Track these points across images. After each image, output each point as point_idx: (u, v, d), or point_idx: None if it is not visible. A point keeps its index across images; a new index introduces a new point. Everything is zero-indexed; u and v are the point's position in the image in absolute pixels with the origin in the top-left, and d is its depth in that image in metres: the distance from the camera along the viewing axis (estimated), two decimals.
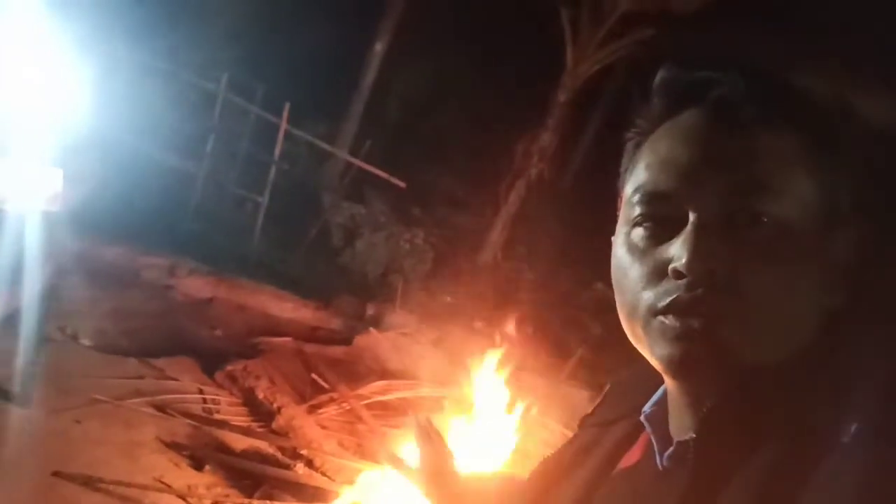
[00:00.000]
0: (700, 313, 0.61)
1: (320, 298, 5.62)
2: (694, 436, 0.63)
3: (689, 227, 0.62)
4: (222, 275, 5.35)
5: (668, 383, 0.71)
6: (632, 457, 0.77)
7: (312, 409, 4.02)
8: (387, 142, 9.04)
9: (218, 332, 4.83)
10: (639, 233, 0.67)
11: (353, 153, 8.24)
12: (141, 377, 3.94)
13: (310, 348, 4.76)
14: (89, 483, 2.97)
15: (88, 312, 4.35)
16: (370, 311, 5.52)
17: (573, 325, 7.86)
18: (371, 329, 5.03)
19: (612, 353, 6.92)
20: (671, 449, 0.69)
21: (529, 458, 4.05)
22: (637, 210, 0.67)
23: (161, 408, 3.68)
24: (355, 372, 4.65)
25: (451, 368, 4.78)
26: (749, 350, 0.62)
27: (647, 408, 0.75)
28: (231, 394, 4.04)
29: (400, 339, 5.04)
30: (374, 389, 4.30)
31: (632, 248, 0.67)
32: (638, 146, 0.70)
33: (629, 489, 0.74)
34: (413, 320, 5.47)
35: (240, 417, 3.84)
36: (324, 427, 3.91)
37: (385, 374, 4.57)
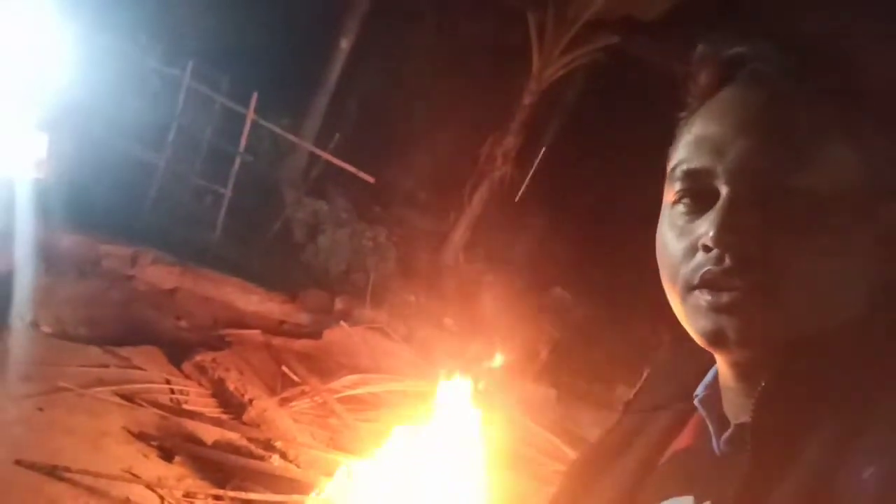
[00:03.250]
0: (729, 287, 0.61)
1: (287, 292, 5.52)
2: (751, 418, 0.62)
3: (720, 202, 0.63)
4: (186, 265, 5.21)
5: (719, 363, 0.70)
6: (683, 441, 0.76)
7: (284, 402, 3.94)
8: (350, 139, 8.97)
9: (183, 323, 4.70)
10: (677, 209, 0.67)
11: (318, 148, 8.15)
12: (105, 366, 3.80)
13: (278, 341, 4.67)
14: (54, 472, 2.84)
15: (47, 300, 4.18)
16: (339, 305, 5.45)
17: (534, 327, 7.91)
18: (342, 323, 4.96)
19: (571, 355, 7.00)
20: (728, 432, 0.68)
21: (502, 455, 4.05)
22: (675, 187, 0.68)
23: (127, 397, 3.55)
24: (325, 366, 4.58)
25: (422, 364, 4.76)
26: (782, 322, 0.62)
27: (699, 391, 0.74)
28: (200, 385, 3.93)
29: (370, 334, 4.99)
30: (346, 383, 4.24)
31: (671, 224, 0.68)
32: (685, 125, 0.71)
33: (684, 474, 0.72)
34: (383, 316, 5.42)
35: (209, 409, 3.74)
36: (296, 420, 3.83)
37: (356, 368, 4.51)
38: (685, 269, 0.65)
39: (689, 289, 0.64)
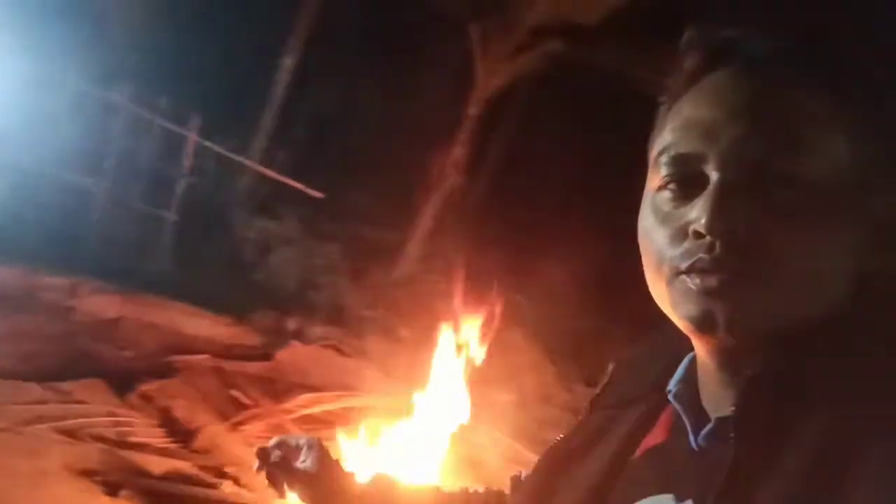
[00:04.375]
0: (719, 273, 0.60)
1: (236, 314, 5.39)
2: (734, 410, 0.61)
3: (710, 188, 0.62)
4: (128, 293, 5.05)
5: (699, 353, 0.69)
6: (655, 437, 0.74)
7: (235, 427, 3.83)
8: (298, 157, 8.87)
9: (127, 353, 4.54)
10: (663, 195, 0.66)
11: (265, 167, 8.03)
12: (44, 402, 3.64)
13: (228, 365, 4.55)
14: None
15: None
16: (291, 325, 5.34)
17: (496, 334, 7.89)
18: (294, 342, 4.86)
19: (529, 359, 6.98)
20: (709, 426, 0.66)
21: (461, 463, 4.00)
22: (661, 172, 0.66)
23: (69, 433, 3.40)
24: (279, 387, 4.48)
25: (379, 378, 4.68)
26: (772, 310, 0.61)
27: (672, 386, 0.73)
28: (146, 415, 3.80)
29: (323, 352, 4.90)
30: (300, 403, 4.14)
31: (656, 210, 0.67)
32: (668, 110, 0.70)
33: (661, 471, 0.71)
34: (336, 333, 5.33)
35: (157, 439, 3.61)
36: (249, 444, 3.72)
37: (310, 387, 4.42)
38: (672, 255, 0.63)
39: (675, 274, 0.63)
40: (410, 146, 9.12)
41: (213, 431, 3.62)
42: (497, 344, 7.25)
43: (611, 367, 0.87)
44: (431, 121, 8.93)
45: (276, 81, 8.64)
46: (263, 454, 1.09)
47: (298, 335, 5.15)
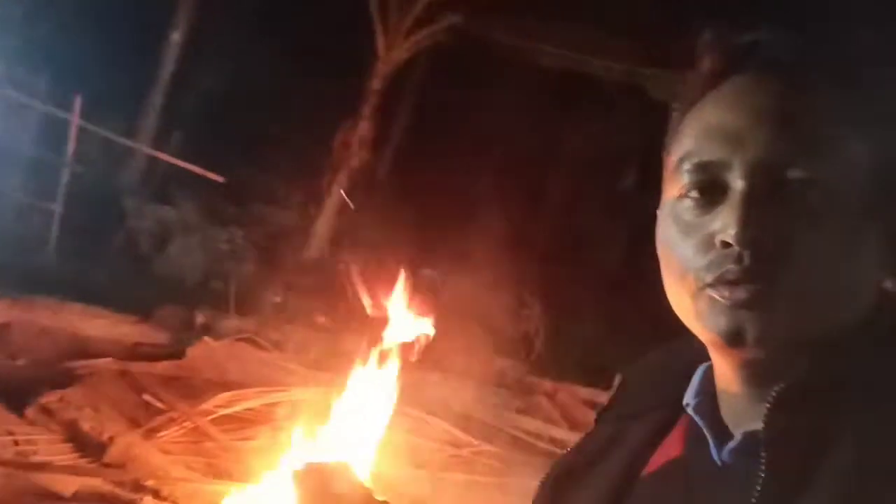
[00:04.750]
0: (749, 284, 0.59)
1: (139, 311, 5.06)
2: (765, 425, 0.59)
3: (736, 196, 0.60)
4: (15, 296, 4.63)
5: (721, 367, 0.67)
6: (671, 451, 0.72)
7: (150, 434, 3.58)
8: (193, 138, 8.41)
9: (20, 362, 4.16)
10: (685, 203, 0.64)
11: (157, 150, 7.56)
12: None
13: (136, 367, 4.26)
14: None
15: None
16: (200, 319, 5.07)
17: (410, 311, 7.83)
18: (205, 338, 4.61)
19: (448, 336, 6.98)
20: (735, 442, 0.64)
21: (396, 450, 3.93)
22: (683, 180, 0.64)
23: None
24: (193, 386, 4.23)
25: (299, 370, 4.52)
26: (802, 321, 0.60)
27: (689, 398, 0.70)
28: (49, 430, 3.49)
29: (238, 346, 4.68)
30: (218, 402, 3.93)
31: (677, 219, 0.65)
32: (683, 116, 0.67)
33: (681, 487, 0.68)
34: (249, 324, 5.10)
35: (64, 456, 3.32)
36: (166, 451, 3.50)
37: (227, 384, 4.20)
38: (696, 266, 0.62)
39: (701, 286, 0.61)
40: (313, 123, 8.83)
41: (126, 442, 3.37)
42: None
43: (618, 379, 0.86)
44: (333, 96, 8.68)
45: (164, 58, 8.13)
46: None
47: (208, 329, 4.89)
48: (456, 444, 4.55)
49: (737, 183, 0.60)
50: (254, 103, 9.14)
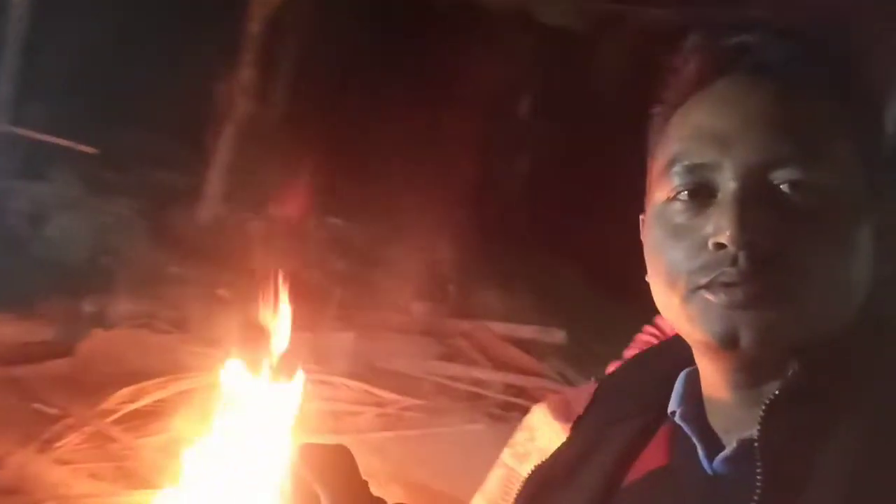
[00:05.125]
0: (744, 285, 0.59)
1: (17, 306, 4.62)
2: (759, 431, 0.59)
3: (729, 197, 0.60)
4: None
5: (711, 372, 0.66)
6: (654, 459, 0.71)
7: (46, 446, 3.31)
8: (60, 103, 7.67)
9: None
10: (676, 206, 0.64)
11: (17, 123, 6.86)
12: None
13: (21, 371, 3.91)
14: None
15: None
16: (88, 306, 4.69)
17: (318, 265, 7.60)
18: (96, 329, 4.27)
19: (359, 288, 6.82)
20: (729, 450, 0.63)
21: (317, 419, 3.80)
22: (673, 183, 0.64)
23: None
24: (89, 384, 3.92)
25: (205, 351, 4.27)
26: (797, 323, 0.59)
27: (675, 405, 0.70)
28: None
29: (135, 333, 4.36)
30: (119, 399, 3.66)
31: (667, 223, 0.64)
32: (666, 119, 0.67)
33: (666, 498, 0.68)
34: (145, 305, 4.77)
35: None
36: (66, 463, 3.24)
37: (127, 378, 3.92)
38: (689, 269, 0.62)
39: (693, 289, 0.61)
40: (190, 75, 8.22)
41: (19, 460, 3.09)
42: (320, 277, 7.01)
43: (595, 386, 0.84)
44: (211, 44, 8.08)
45: (7, 17, 7.29)
46: None
47: (100, 318, 4.53)
48: (380, 404, 4.47)
49: (728, 185, 0.60)
50: (123, 57, 8.40)
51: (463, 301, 6.45)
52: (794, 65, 0.63)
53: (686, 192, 0.63)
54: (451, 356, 5.56)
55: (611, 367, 3.14)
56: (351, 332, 5.26)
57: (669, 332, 2.97)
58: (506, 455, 3.14)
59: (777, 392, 0.59)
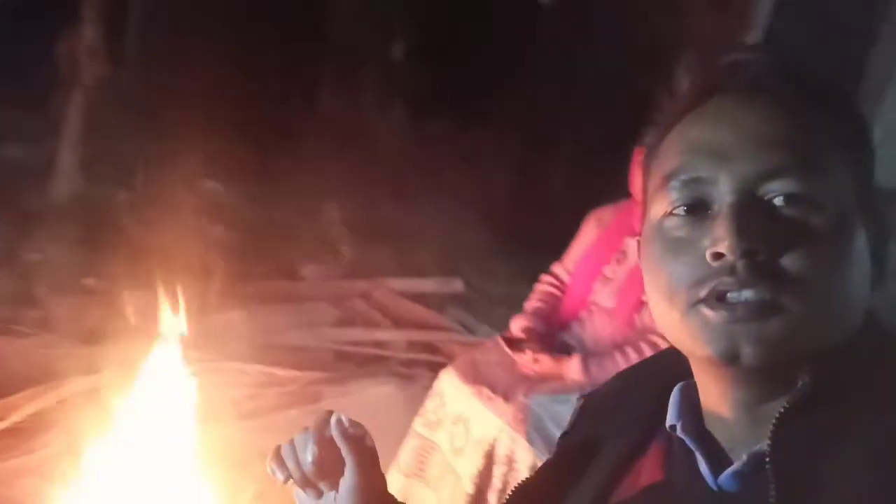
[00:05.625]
0: (745, 291, 0.60)
1: None
2: (770, 446, 0.59)
3: (727, 209, 0.62)
4: None
5: (712, 386, 0.65)
6: (646, 476, 0.70)
7: None
8: None
9: None
10: (673, 221, 0.66)
11: None
12: None
13: None
14: None
15: None
16: None
17: (197, 237, 7.11)
18: None
19: (246, 257, 6.44)
20: (739, 464, 0.62)
21: (214, 410, 3.55)
22: (670, 197, 0.66)
23: None
24: None
25: (75, 351, 3.87)
26: (797, 334, 0.60)
27: (674, 420, 0.69)
28: None
29: None
30: None
31: (665, 238, 0.66)
32: (662, 138, 0.69)
33: None
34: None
35: None
36: None
37: None
38: (687, 283, 0.63)
39: (692, 303, 0.63)
40: (27, 39, 7.33)
41: None
42: (200, 249, 6.56)
43: (579, 402, 0.84)
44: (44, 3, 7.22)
45: None
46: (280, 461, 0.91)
47: None
48: (280, 384, 4.24)
49: (725, 197, 0.62)
50: None
51: (357, 260, 6.23)
52: (787, 82, 0.65)
53: (684, 207, 0.65)
54: (349, 320, 5.37)
55: (514, 322, 3.09)
56: (241, 311, 4.95)
57: (567, 281, 2.88)
58: (417, 424, 3.04)
59: (786, 406, 0.59)
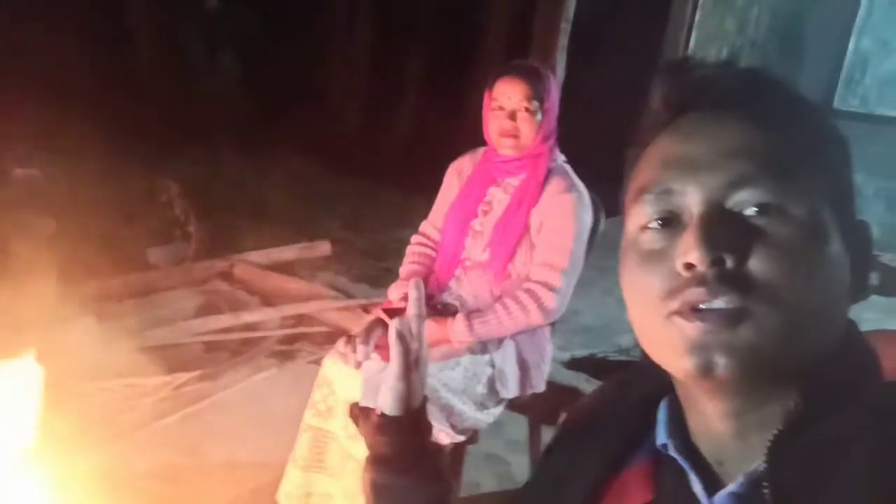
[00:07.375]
0: (713, 302, 0.59)
1: None
2: (766, 465, 0.58)
3: (695, 220, 0.63)
4: None
5: (697, 402, 0.65)
6: (633, 495, 0.68)
7: None
8: None
9: None
10: (647, 237, 0.66)
11: None
12: None
13: None
14: None
15: None
16: None
17: (21, 232, 6.33)
18: None
19: (85, 250, 5.81)
20: (736, 485, 0.62)
21: (85, 434, 3.24)
22: (643, 212, 0.66)
23: None
24: None
25: None
26: (774, 344, 0.59)
27: (664, 438, 0.68)
28: None
29: None
30: None
31: (640, 250, 0.66)
32: (638, 154, 0.70)
33: None
34: None
35: None
36: None
37: None
38: (662, 294, 0.63)
39: (667, 315, 0.62)
40: None
41: None
42: (28, 247, 5.84)
43: (563, 417, 0.82)
44: None
45: None
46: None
47: None
48: (150, 393, 3.90)
49: (694, 209, 0.63)
50: None
51: (210, 239, 5.80)
52: (757, 96, 0.65)
53: (658, 221, 0.65)
54: (213, 306, 5.00)
55: (391, 291, 2.96)
56: (88, 317, 4.47)
57: (437, 239, 2.73)
58: (308, 417, 2.88)
59: (780, 428, 0.59)
